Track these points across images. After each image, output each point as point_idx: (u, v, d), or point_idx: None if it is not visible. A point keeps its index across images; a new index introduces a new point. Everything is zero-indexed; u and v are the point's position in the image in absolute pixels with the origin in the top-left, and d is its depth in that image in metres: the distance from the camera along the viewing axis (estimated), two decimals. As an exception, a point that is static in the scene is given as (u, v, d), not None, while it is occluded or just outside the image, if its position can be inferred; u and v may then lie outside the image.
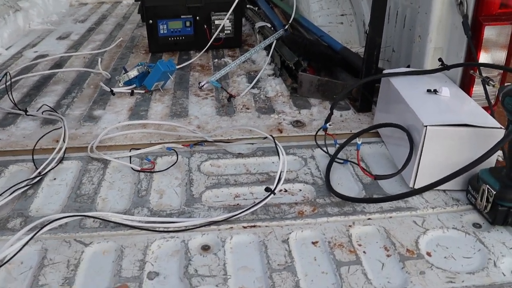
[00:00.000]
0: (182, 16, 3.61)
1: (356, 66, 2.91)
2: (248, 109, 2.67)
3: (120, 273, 1.54)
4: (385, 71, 2.38)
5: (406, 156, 1.90)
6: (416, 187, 1.93)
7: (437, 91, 2.09)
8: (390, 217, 1.77)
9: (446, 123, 1.85)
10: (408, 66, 2.66)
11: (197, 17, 3.62)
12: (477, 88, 2.26)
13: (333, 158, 2.09)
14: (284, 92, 2.87)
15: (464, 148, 1.87)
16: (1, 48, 3.95)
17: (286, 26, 3.37)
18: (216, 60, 3.54)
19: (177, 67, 3.30)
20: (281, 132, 2.42)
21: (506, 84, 1.86)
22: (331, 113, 2.26)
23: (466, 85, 2.27)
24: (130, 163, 2.12)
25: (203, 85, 2.92)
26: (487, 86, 2.11)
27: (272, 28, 3.70)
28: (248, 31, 4.27)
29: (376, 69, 2.58)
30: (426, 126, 1.83)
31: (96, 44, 4.11)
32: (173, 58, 3.42)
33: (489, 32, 2.15)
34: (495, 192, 1.73)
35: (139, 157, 2.18)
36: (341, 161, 2.12)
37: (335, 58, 3.04)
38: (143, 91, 2.92)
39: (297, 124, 2.50)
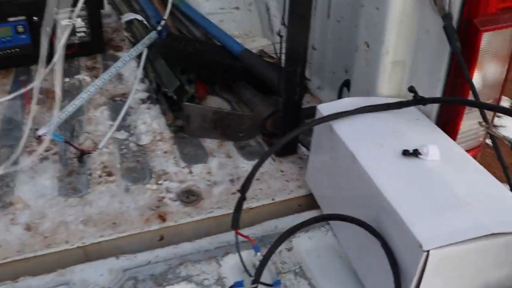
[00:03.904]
0: (11, 19, 2.51)
1: (267, 77, 2.02)
2: (110, 175, 1.70)
3: None
4: (321, 107, 1.48)
5: (373, 266, 1.08)
6: None
7: (419, 153, 1.23)
8: None
9: (460, 239, 1.00)
10: (347, 82, 1.79)
11: (34, 18, 2.52)
12: (465, 124, 1.45)
13: (256, 282, 1.20)
14: (164, 132, 1.91)
15: (489, 267, 1.06)
16: None
17: (160, 26, 2.33)
18: (67, 79, 2.45)
19: (6, 98, 2.22)
20: (164, 220, 1.50)
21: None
22: (242, 198, 1.34)
23: (448, 119, 1.45)
24: None
25: (41, 135, 1.89)
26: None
27: (146, 22, 2.68)
28: (115, 23, 3.19)
29: (301, 86, 1.70)
30: (428, 251, 0.98)
31: None
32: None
33: (488, 41, 1.30)
34: None
35: None
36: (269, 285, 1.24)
37: (235, 68, 2.12)
38: None
39: (189, 198, 1.58)
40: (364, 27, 1.58)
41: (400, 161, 1.23)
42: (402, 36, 1.45)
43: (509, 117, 4.77)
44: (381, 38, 1.49)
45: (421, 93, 1.44)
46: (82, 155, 1.78)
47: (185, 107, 1.84)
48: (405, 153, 1.23)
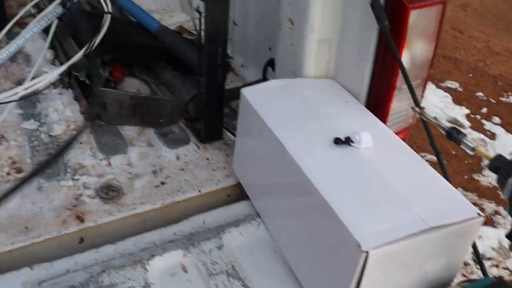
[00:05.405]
0: None
1: (186, 57, 1.91)
2: (19, 172, 1.55)
3: None
4: (245, 91, 1.39)
5: (307, 260, 1.07)
6: None
7: (352, 141, 1.17)
8: None
9: (399, 236, 0.95)
10: (271, 61, 1.71)
11: None
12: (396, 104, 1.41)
13: None
14: (79, 120, 1.77)
15: (426, 259, 1.03)
16: None
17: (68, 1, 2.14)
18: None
19: None
20: (82, 220, 1.37)
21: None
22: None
23: (377, 99, 1.40)
24: None
25: None
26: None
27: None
28: (19, -3, 2.94)
29: (223, 67, 1.60)
30: (367, 251, 0.92)
31: None
32: None
33: (416, 18, 1.25)
34: None
35: None
36: None
37: (152, 47, 1.99)
38: None
39: (109, 193, 1.46)
40: (287, 3, 1.49)
41: (332, 150, 1.16)
42: (327, 13, 1.38)
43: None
44: (305, 15, 1.41)
45: (350, 73, 1.39)
46: (-13, 150, 1.62)
47: (100, 92, 1.70)
48: (337, 141, 1.16)
